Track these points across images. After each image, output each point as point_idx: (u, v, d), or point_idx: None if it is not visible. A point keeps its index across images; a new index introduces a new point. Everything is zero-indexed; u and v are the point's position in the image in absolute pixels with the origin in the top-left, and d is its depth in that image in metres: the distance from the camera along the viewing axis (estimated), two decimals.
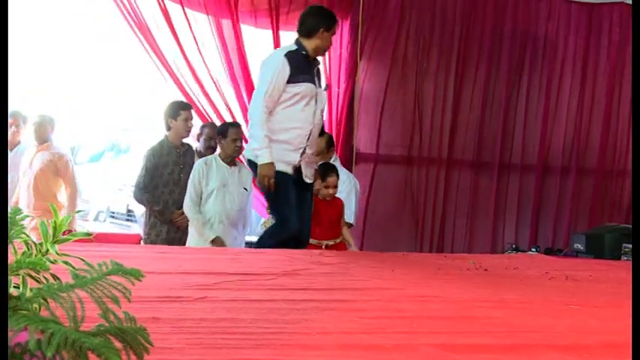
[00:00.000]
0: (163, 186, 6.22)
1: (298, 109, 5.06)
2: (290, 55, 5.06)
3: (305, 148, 5.15)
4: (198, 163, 6.12)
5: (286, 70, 4.99)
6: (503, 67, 8.23)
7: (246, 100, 7.24)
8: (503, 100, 8.23)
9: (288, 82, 4.99)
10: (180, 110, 6.29)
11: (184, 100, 6.84)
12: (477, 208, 8.23)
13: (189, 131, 6.42)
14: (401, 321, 2.29)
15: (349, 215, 6.17)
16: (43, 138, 6.92)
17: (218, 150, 6.27)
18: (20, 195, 6.88)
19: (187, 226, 6.13)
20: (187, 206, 6.01)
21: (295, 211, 5.11)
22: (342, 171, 6.17)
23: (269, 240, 5.10)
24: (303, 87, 5.05)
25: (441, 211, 7.89)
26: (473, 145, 8.19)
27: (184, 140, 6.43)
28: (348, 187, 6.24)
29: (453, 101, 8.07)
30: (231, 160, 6.11)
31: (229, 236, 6.03)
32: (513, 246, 7.34)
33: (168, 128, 6.33)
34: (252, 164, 5.14)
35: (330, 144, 6.37)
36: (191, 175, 6.07)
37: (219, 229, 5.96)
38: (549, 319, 2.48)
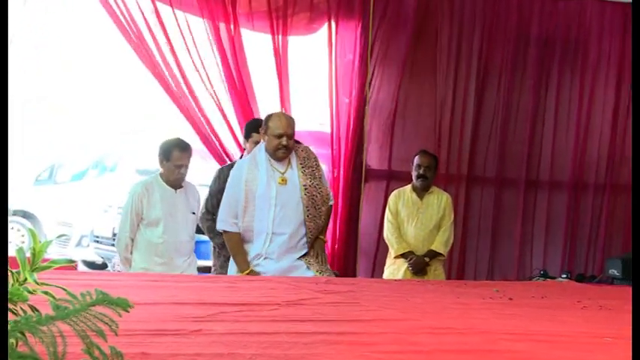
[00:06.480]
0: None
1: None
2: None
3: None
4: (135, 187, 5.90)
5: None
6: (530, 73, 8.24)
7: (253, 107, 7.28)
8: (530, 110, 8.24)
9: None
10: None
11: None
12: (501, 229, 8.23)
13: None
14: (417, 355, 2.30)
15: None
16: None
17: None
18: None
19: None
20: (121, 242, 5.85)
21: None
22: None
23: None
24: None
25: (460, 233, 7.86)
26: (496, 160, 8.20)
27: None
28: None
29: (473, 112, 8.08)
30: (173, 183, 5.89)
31: (176, 270, 5.76)
32: (542, 272, 7.33)
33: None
34: None
35: None
36: (126, 203, 5.87)
37: (166, 266, 5.74)
38: (579, 353, 2.48)
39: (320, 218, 5.48)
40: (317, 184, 5.47)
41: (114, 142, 13.93)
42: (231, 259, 5.56)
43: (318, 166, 5.60)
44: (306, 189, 5.42)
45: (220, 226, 5.51)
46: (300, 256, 5.42)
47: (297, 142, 5.76)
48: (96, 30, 7.03)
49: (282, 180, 5.42)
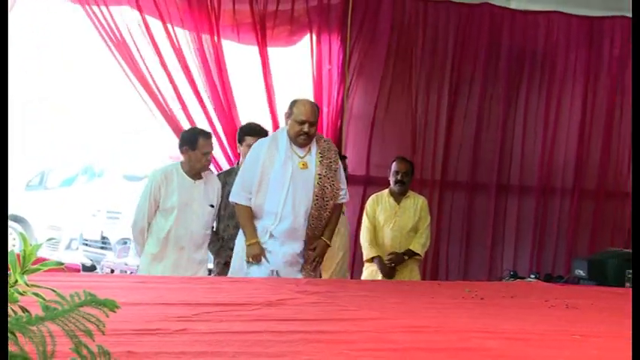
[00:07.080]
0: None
1: None
2: None
3: None
4: (155, 174, 5.76)
5: None
6: (500, 83, 8.28)
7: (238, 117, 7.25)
8: (500, 118, 8.27)
9: None
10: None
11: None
12: (473, 232, 8.25)
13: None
14: (393, 353, 2.30)
15: None
16: None
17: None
18: None
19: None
20: (137, 226, 5.68)
21: None
22: None
23: None
24: None
25: (434, 235, 7.84)
26: (468, 165, 8.22)
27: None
28: None
29: (446, 120, 8.11)
30: (196, 172, 5.71)
31: (192, 262, 5.67)
32: (511, 272, 7.35)
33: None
34: None
35: None
36: (145, 188, 5.71)
37: (177, 255, 5.61)
38: (549, 350, 2.49)
39: (325, 210, 5.31)
40: (331, 176, 5.31)
41: (111, 144, 13.89)
42: (240, 230, 5.38)
43: (337, 160, 5.42)
44: (320, 178, 5.27)
45: (233, 198, 5.34)
46: (301, 251, 5.30)
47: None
48: (97, 30, 6.93)
49: (303, 165, 5.28)
